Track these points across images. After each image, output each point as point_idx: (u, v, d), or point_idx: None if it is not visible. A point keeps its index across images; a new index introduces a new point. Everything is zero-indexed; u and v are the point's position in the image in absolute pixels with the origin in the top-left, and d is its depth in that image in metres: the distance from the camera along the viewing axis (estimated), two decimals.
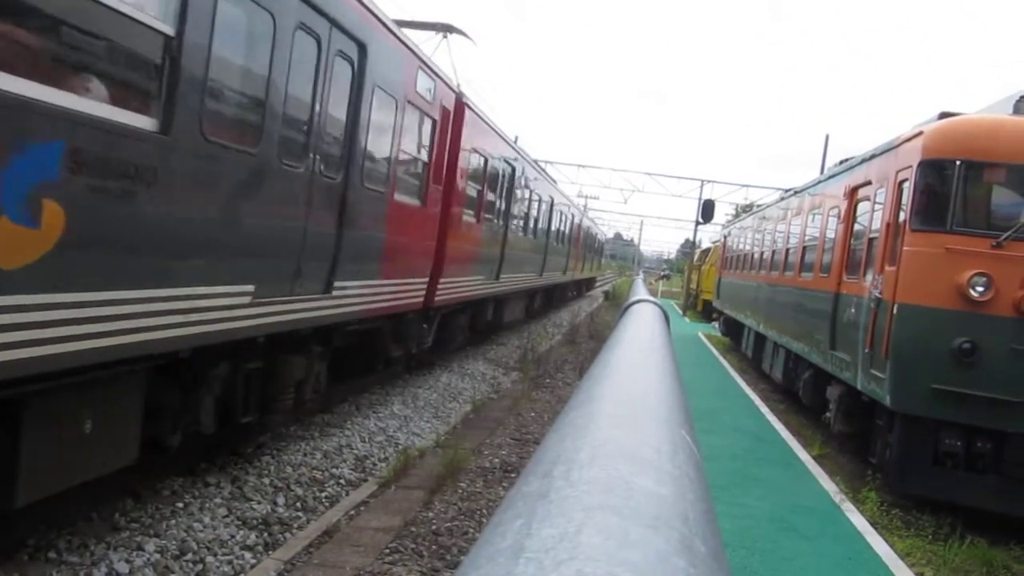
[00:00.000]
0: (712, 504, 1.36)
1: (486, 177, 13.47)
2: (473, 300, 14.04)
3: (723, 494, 7.34)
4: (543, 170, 21.28)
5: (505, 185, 15.40)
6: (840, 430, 10.04)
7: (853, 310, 9.49)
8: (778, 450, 9.96)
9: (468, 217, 12.42)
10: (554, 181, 24.32)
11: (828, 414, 10.62)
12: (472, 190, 12.55)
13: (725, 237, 27.93)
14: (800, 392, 12.49)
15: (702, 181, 42.73)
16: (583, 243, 34.94)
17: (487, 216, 13.95)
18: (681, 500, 1.12)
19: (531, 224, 19.35)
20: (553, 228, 23.39)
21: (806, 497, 7.86)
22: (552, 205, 22.45)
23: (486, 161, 13.42)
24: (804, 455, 9.74)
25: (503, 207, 15.35)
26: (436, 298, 10.93)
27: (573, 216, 29.23)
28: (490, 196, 14.09)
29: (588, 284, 47.56)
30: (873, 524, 7.20)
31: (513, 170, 15.88)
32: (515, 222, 16.89)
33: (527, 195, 18.30)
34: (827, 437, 10.83)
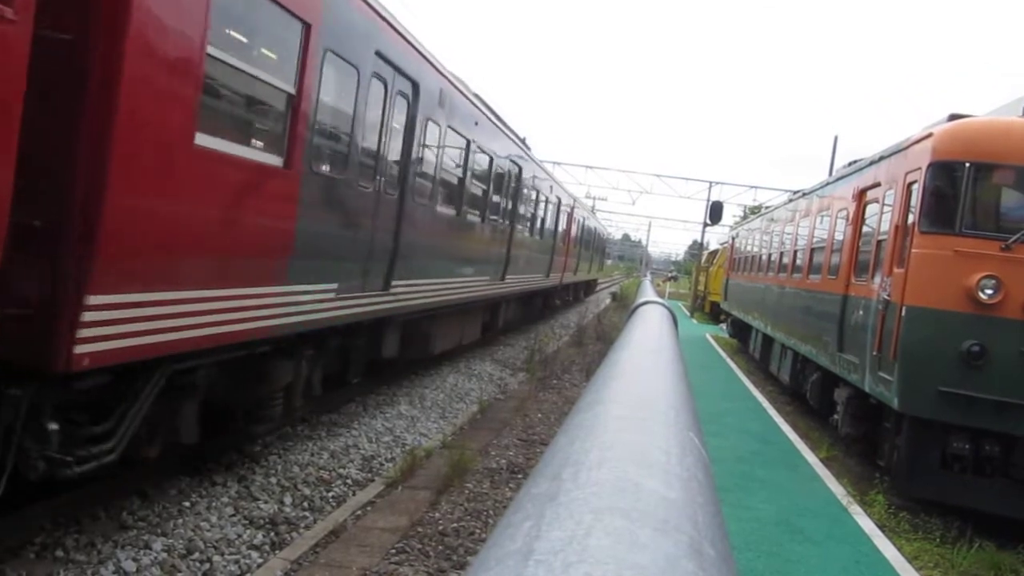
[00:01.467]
0: (720, 507, 1.36)
1: (327, 82, 6.58)
2: (315, 330, 7.16)
3: (729, 496, 7.32)
4: (506, 126, 14.78)
5: (397, 118, 8.55)
6: (848, 433, 10.00)
7: (861, 312, 9.46)
8: (785, 452, 9.92)
9: (245, 151, 5.59)
10: (528, 148, 17.64)
11: (836, 416, 10.59)
12: (263, 90, 5.81)
13: (733, 239, 27.88)
14: (807, 394, 12.45)
15: (710, 183, 42.68)
16: (578, 239, 28.51)
17: (337, 167, 7.16)
18: (690, 503, 1.12)
19: (478, 202, 12.81)
20: (525, 213, 17.14)
21: (813, 499, 7.83)
22: (520, 179, 15.87)
23: (331, 53, 6.54)
24: (811, 457, 9.71)
25: (393, 157, 8.53)
26: (82, 346, 4.18)
27: (560, 201, 22.50)
28: (343, 126, 7.19)
29: (587, 288, 41.38)
30: (880, 527, 7.18)
31: (416, 89, 8.87)
32: (430, 192, 10.07)
33: (464, 153, 11.51)
34: (834, 439, 10.79)
